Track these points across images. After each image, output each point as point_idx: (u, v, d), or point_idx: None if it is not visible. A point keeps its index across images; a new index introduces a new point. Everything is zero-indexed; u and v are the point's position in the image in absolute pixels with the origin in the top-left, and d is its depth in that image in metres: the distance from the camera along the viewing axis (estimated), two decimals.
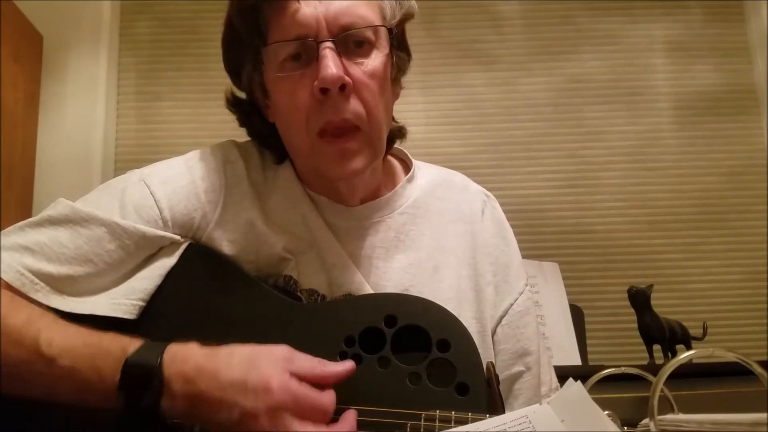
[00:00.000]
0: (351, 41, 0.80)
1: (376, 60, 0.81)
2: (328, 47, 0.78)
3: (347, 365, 0.71)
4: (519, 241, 0.97)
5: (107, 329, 0.75)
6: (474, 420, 0.67)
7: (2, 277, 0.74)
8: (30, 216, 0.81)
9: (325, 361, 0.71)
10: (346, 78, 0.78)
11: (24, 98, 2.06)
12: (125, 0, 2.36)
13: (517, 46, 2.36)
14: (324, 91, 0.78)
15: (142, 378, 0.66)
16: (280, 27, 0.80)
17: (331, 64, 0.77)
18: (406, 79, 0.94)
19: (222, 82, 0.92)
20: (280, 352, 0.69)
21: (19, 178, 2.01)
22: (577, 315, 1.89)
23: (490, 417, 0.67)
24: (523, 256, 0.99)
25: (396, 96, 0.91)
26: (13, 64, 1.98)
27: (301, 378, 0.68)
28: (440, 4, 2.33)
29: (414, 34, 0.92)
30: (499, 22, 2.37)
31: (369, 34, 0.81)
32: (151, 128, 2.29)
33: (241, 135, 0.93)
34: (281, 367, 0.67)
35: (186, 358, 0.68)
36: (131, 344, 0.69)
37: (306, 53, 0.80)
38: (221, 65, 0.91)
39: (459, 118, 2.30)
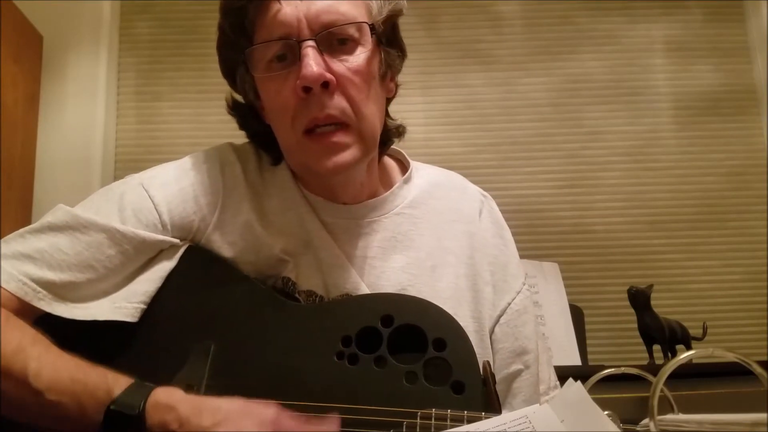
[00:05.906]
0: (334, 39, 0.80)
1: (360, 56, 0.81)
2: (310, 46, 0.78)
3: (333, 425, 0.69)
4: (519, 241, 0.97)
5: (110, 331, 0.76)
6: (470, 418, 0.68)
7: (4, 287, 0.74)
8: (30, 216, 0.82)
9: (311, 420, 0.69)
10: (327, 75, 0.78)
11: (24, 98, 2.06)
12: (125, 0, 2.36)
13: (516, 46, 2.36)
14: (307, 89, 0.78)
15: (123, 425, 0.66)
16: (264, 28, 0.81)
17: (312, 62, 0.77)
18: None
19: (222, 82, 0.92)
20: (268, 414, 0.67)
21: (19, 178, 2.01)
22: (577, 315, 1.89)
23: (486, 415, 0.67)
24: (523, 256, 0.99)
25: (389, 93, 0.90)
26: (13, 64, 1.98)
27: None
28: (440, 4, 2.33)
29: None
30: (499, 22, 2.37)
31: (352, 31, 0.81)
32: (151, 128, 2.29)
33: (242, 136, 0.93)
34: (267, 430, 0.66)
35: (170, 408, 0.67)
36: (117, 385, 0.69)
37: (290, 53, 0.80)
38: None
39: (459, 118, 2.30)
